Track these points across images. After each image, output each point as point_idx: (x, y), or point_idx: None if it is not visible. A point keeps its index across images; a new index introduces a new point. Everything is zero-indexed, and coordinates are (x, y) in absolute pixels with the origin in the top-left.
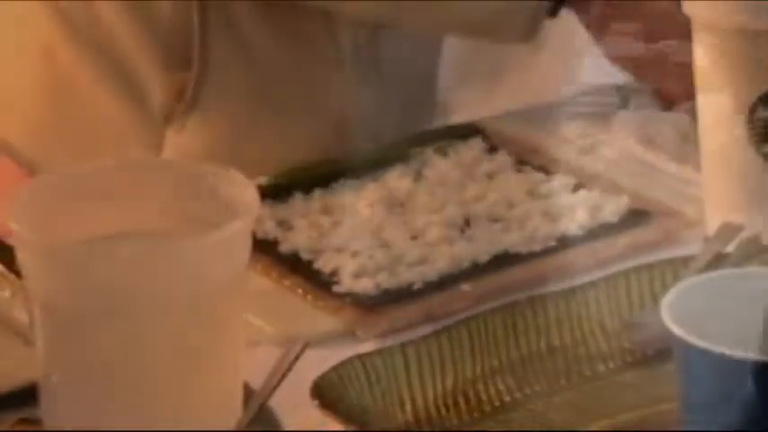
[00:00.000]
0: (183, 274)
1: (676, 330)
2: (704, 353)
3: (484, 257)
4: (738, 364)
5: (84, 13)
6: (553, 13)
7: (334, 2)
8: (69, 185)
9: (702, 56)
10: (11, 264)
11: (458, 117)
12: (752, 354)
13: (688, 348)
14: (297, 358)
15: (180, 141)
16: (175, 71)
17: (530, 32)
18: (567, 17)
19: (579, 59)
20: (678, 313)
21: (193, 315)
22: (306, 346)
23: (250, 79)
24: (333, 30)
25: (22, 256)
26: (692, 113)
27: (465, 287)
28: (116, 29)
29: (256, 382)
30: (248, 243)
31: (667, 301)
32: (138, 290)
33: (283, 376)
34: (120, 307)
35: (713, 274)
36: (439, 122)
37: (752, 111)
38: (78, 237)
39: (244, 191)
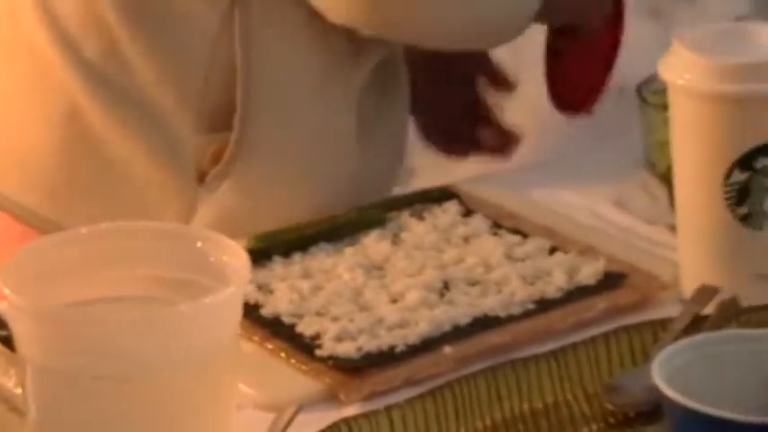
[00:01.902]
0: (178, 339)
1: (669, 392)
2: (698, 414)
3: (464, 320)
4: (732, 425)
5: (114, 65)
6: None
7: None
8: (61, 250)
9: (679, 120)
10: None
11: (420, 181)
12: (740, 415)
13: (681, 410)
14: (290, 423)
15: (214, 201)
16: (210, 131)
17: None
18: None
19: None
20: (667, 375)
21: (187, 380)
22: (298, 410)
23: (285, 143)
24: (355, 94)
25: (14, 321)
26: (662, 176)
27: (447, 350)
28: (150, 89)
29: None
30: (240, 308)
31: (657, 363)
32: (134, 354)
33: None
34: (116, 371)
35: (699, 337)
36: (403, 186)
37: (727, 174)
38: (70, 301)
39: (234, 257)
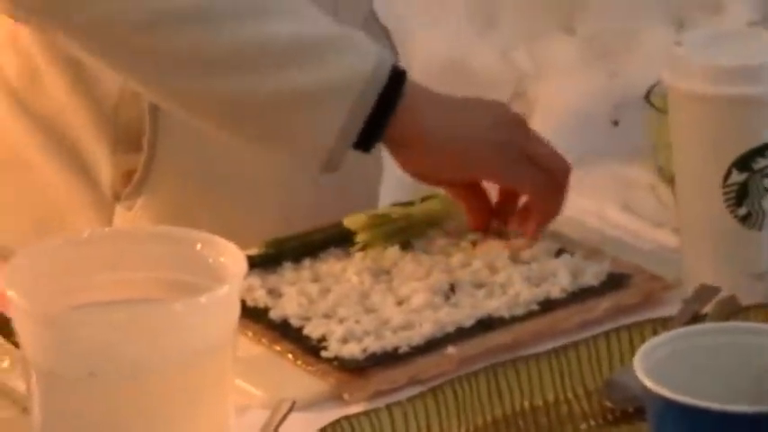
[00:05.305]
0: (173, 337)
1: (648, 383)
2: (675, 404)
3: (468, 322)
4: (709, 414)
5: (32, 90)
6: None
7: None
8: (62, 254)
9: (678, 122)
10: (9, 334)
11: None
12: (720, 404)
13: (659, 400)
14: (284, 418)
15: (129, 218)
16: (123, 152)
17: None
18: None
19: None
20: (651, 367)
21: (185, 377)
22: (293, 406)
23: (198, 162)
24: None
25: (18, 324)
26: (670, 180)
27: (450, 350)
28: (64, 108)
29: None
30: (236, 308)
31: (640, 356)
32: (132, 353)
33: None
34: (115, 371)
35: (682, 330)
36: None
37: (726, 176)
38: (71, 305)
39: (233, 258)
